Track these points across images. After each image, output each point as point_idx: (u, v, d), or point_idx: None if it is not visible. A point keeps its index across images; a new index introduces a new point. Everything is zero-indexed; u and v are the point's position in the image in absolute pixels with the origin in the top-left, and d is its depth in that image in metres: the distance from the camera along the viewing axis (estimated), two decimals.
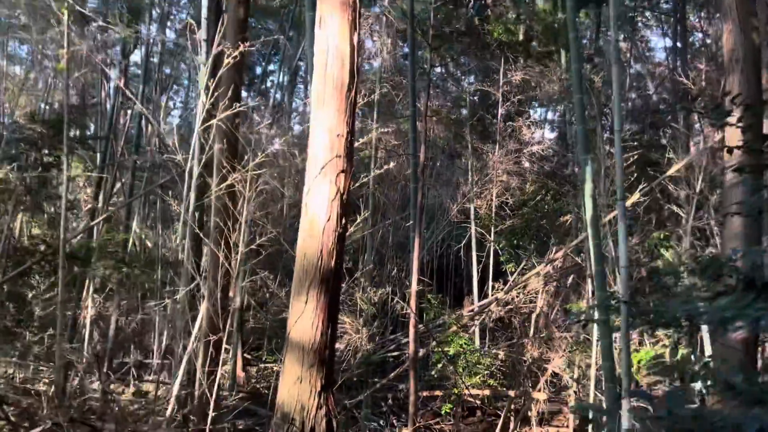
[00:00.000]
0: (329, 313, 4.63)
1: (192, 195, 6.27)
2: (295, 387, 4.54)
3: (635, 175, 8.80)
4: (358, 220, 5.85)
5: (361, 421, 10.64)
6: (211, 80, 5.88)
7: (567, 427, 12.35)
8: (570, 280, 12.41)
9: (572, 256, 9.92)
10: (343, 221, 4.69)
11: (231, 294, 10.85)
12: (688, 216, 8.20)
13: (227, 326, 7.13)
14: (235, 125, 6.56)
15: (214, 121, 5.79)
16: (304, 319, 4.59)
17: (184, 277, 8.00)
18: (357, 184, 7.03)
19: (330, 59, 4.63)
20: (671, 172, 7.80)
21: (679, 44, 15.80)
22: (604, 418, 9.34)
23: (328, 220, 4.65)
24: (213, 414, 5.67)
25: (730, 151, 4.85)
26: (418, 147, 9.01)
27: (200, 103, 5.88)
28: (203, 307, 6.95)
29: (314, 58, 4.75)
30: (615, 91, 5.69)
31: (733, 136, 7.31)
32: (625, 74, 15.08)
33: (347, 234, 6.36)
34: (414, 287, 8.79)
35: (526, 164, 13.45)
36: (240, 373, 14.18)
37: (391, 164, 7.94)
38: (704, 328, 10.17)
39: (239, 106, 6.23)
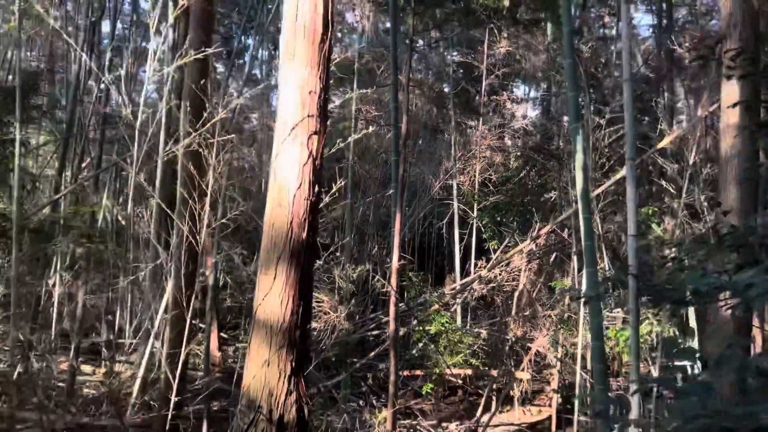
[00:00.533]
0: (300, 290, 4.14)
1: (141, 153, 5.69)
2: (263, 371, 4.06)
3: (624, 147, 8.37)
4: (334, 189, 5.34)
5: (339, 402, 10.24)
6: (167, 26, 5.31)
7: (549, 406, 12.08)
8: (553, 257, 12.06)
9: (558, 233, 9.52)
10: (316, 189, 4.19)
11: (205, 271, 10.33)
12: (679, 191, 7.82)
13: (195, 305, 6.62)
14: (201, 87, 5.98)
15: (167, 70, 5.22)
16: (272, 296, 4.10)
17: (152, 252, 7.46)
18: (332, 151, 6.49)
19: (301, 5, 4.08)
20: (664, 143, 7.40)
21: (664, 21, 15.39)
22: (590, 400, 9.03)
23: (299, 187, 4.13)
24: (175, 399, 5.17)
25: (736, 105, 4.38)
26: (399, 118, 8.49)
27: (150, 50, 5.29)
28: (169, 285, 6.43)
29: (284, 5, 4.20)
30: (625, 65, 5.24)
31: (730, 99, 6.92)
32: (611, 50, 14.64)
33: (322, 205, 5.85)
34: (395, 264, 8.32)
35: (510, 141, 12.99)
36: (216, 353, 13.69)
37: (371, 129, 7.40)
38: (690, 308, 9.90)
39: (197, 53, 5.65)
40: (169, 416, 5.16)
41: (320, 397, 10.88)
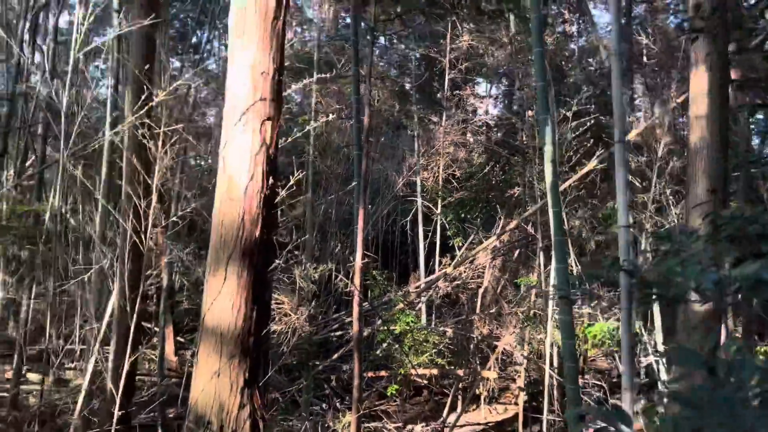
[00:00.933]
0: (254, 293, 3.72)
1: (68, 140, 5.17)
2: (212, 383, 3.62)
3: (591, 141, 8.19)
4: (292, 182, 4.92)
5: (301, 406, 9.80)
6: None
7: (515, 404, 11.87)
8: (518, 253, 11.85)
9: (524, 228, 9.27)
10: (271, 181, 3.77)
11: (160, 273, 9.76)
12: (647, 184, 7.64)
13: (144, 308, 6.11)
14: (145, 72, 5.48)
15: (104, 39, 4.72)
16: (221, 300, 3.67)
17: (96, 253, 6.91)
18: (289, 140, 6.08)
19: None
20: (633, 135, 7.20)
21: (623, 18, 15.37)
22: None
23: (251, 179, 3.71)
24: (119, 412, 4.68)
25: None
26: (361, 110, 8.11)
27: (76, 18, 4.77)
28: (115, 288, 5.90)
29: None
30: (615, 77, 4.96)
31: (699, 87, 6.75)
32: (573, 48, 14.55)
33: (281, 201, 5.43)
34: (358, 262, 7.93)
35: (473, 135, 12.74)
36: (172, 358, 13.08)
37: (331, 116, 6.98)
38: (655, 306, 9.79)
39: (134, 23, 5.14)
40: (113, 430, 4.66)
41: (282, 402, 10.44)
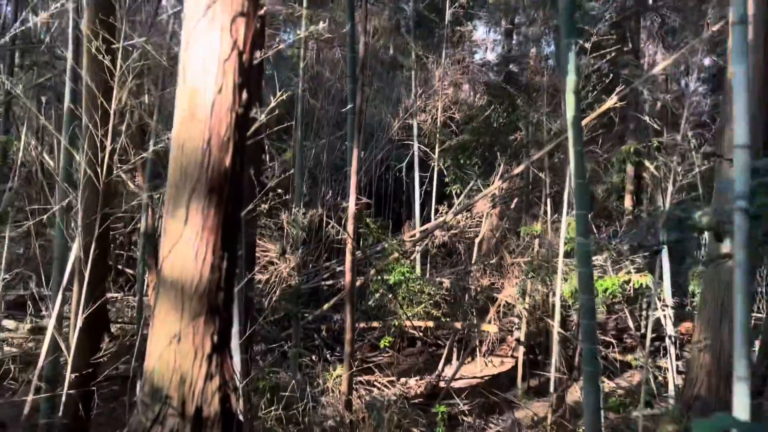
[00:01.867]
0: (224, 238, 2.92)
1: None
2: (171, 350, 2.86)
3: (610, 77, 7.31)
4: (273, 103, 4.04)
5: (290, 359, 9.15)
6: None
7: (512, 356, 11.32)
8: (519, 201, 11.08)
9: (527, 174, 8.46)
10: (244, 96, 2.91)
11: (138, 215, 8.94)
12: (664, 127, 6.82)
13: (115, 255, 5.30)
14: None
15: None
16: (182, 247, 2.87)
17: (59, 192, 6.05)
18: (269, 55, 5.19)
19: None
20: (657, 70, 6.33)
21: None
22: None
23: (219, 92, 2.85)
24: (73, 376, 3.93)
25: None
26: (356, 39, 7.15)
27: None
28: (78, 233, 5.06)
29: None
30: None
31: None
32: None
33: (253, 122, 4.56)
34: (352, 207, 7.13)
35: (473, 75, 11.76)
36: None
37: (322, 24, 6.04)
38: (665, 255, 9.08)
39: None
40: (64, 394, 3.93)
41: (270, 355, 9.82)
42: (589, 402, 5.49)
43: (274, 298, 7.38)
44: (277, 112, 4.24)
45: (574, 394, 9.69)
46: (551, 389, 7.92)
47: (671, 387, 9.16)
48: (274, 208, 7.30)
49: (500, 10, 12.75)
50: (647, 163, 7.14)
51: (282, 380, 9.32)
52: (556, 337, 7.53)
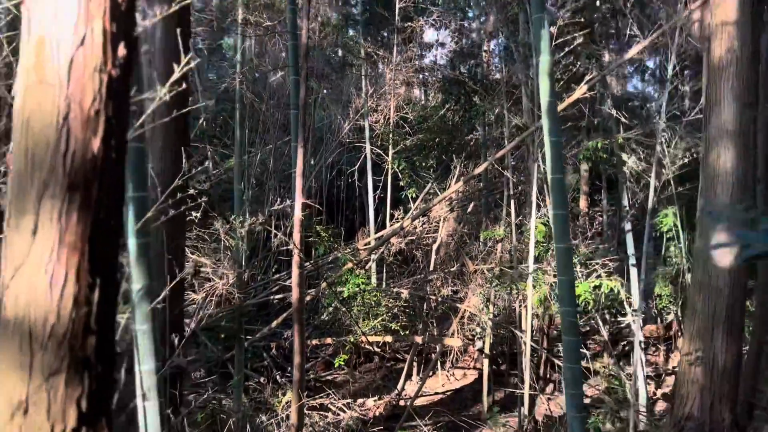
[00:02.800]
0: (95, 257, 1.97)
1: None
2: (15, 425, 1.89)
3: (577, 64, 6.65)
4: (178, 72, 3.09)
5: (234, 383, 8.11)
6: None
7: (475, 368, 10.58)
8: (477, 204, 10.35)
9: (487, 175, 7.71)
10: (122, 50, 1.99)
11: None
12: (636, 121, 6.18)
13: None
14: None
15: None
16: (30, 270, 1.91)
17: None
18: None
19: None
20: (638, 48, 5.68)
21: None
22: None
23: (82, 43, 1.92)
24: None
25: None
26: (298, 23, 6.27)
27: None
28: None
29: None
30: None
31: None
32: None
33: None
34: (298, 214, 6.20)
35: (427, 73, 11.02)
36: None
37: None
38: (631, 261, 8.50)
39: None
40: None
41: (211, 383, 8.76)
42: (574, 428, 4.73)
43: (204, 319, 6.37)
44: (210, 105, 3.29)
45: (541, 406, 9.01)
46: (521, 406, 7.16)
47: (642, 395, 8.58)
48: (209, 216, 6.31)
49: (452, 4, 12.06)
50: (625, 157, 6.52)
51: (226, 408, 8.30)
52: (528, 352, 6.77)
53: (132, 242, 3.35)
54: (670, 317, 8.47)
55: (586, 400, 8.89)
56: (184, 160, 4.53)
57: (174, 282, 3.86)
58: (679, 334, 9.66)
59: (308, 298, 8.57)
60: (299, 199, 6.28)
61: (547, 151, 4.64)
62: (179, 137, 5.50)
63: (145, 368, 3.42)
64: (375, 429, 7.97)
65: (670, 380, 9.59)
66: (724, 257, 5.11)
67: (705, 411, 4.89)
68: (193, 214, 6.25)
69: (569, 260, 4.64)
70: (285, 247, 8.10)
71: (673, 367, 9.79)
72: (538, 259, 6.93)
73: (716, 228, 5.18)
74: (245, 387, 9.01)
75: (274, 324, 9.17)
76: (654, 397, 9.20)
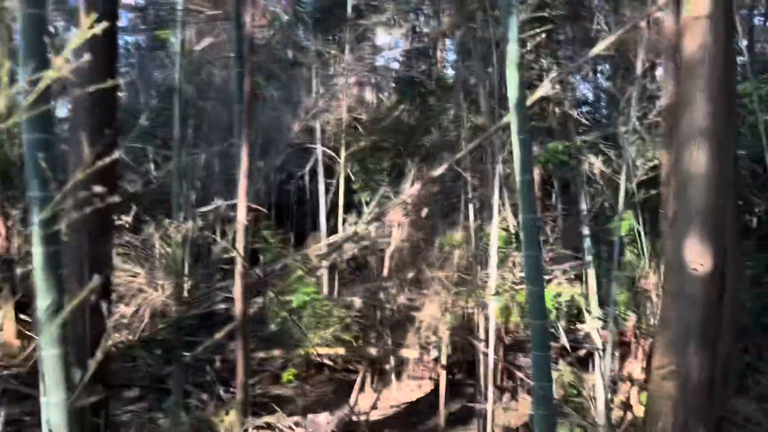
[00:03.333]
0: None
1: None
2: None
3: (543, 58, 6.30)
4: (73, 44, 2.52)
5: (172, 405, 7.40)
6: None
7: (431, 378, 10.13)
8: (433, 209, 9.94)
9: (452, 175, 7.31)
10: None
11: None
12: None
13: None
14: None
15: None
16: None
17: None
18: None
19: None
20: (601, 47, 5.34)
21: None
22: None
23: None
24: None
25: None
26: (242, 9, 5.70)
27: None
28: None
29: None
30: None
31: None
32: None
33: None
34: (242, 218, 5.63)
35: (381, 73, 10.57)
36: (13, 342, 10.17)
37: None
38: (589, 263, 8.25)
39: None
40: None
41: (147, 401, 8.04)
42: None
43: (138, 334, 5.70)
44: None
45: (500, 417, 8.63)
46: (480, 418, 6.75)
47: (600, 403, 8.32)
48: (141, 221, 5.64)
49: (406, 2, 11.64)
50: (592, 159, 6.21)
51: (163, 430, 7.60)
52: (491, 363, 6.36)
53: (38, 251, 2.71)
54: (630, 324, 8.24)
55: None
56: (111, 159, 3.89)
57: (85, 294, 3.23)
58: (634, 340, 9.49)
59: (254, 309, 7.95)
60: (243, 202, 5.70)
61: (515, 149, 4.23)
62: (102, 128, 4.81)
63: (53, 401, 2.79)
64: None
65: (624, 387, 9.39)
66: (700, 265, 4.78)
67: (678, 428, 4.56)
68: (123, 218, 5.59)
69: (540, 269, 4.23)
70: (229, 255, 7.46)
71: (628, 374, 9.61)
72: (498, 266, 6.54)
73: (690, 234, 4.89)
74: (186, 405, 8.30)
75: (217, 336, 8.48)
76: (612, 405, 8.95)
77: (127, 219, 5.27)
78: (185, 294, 7.30)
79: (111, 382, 4.54)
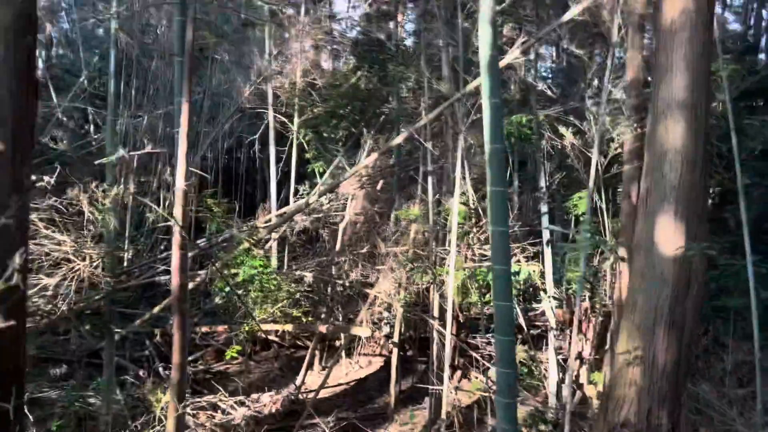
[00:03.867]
0: None
1: None
2: None
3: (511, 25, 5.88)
4: None
5: (103, 383, 6.79)
6: None
7: (381, 354, 9.80)
8: (380, 184, 9.50)
9: (415, 144, 6.86)
10: None
11: None
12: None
13: None
14: None
15: None
16: None
17: None
18: None
19: None
20: (573, 13, 4.94)
21: None
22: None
23: None
24: None
25: None
26: None
27: None
28: None
29: None
30: None
31: None
32: None
33: None
34: (180, 184, 5.03)
35: (338, 35, 9.96)
36: None
37: None
38: (545, 240, 8.01)
39: None
40: None
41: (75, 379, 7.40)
42: None
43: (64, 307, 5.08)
44: None
45: (451, 396, 8.39)
46: (432, 397, 6.45)
47: (552, 381, 8.19)
48: (66, 183, 4.99)
49: None
50: (563, 131, 5.86)
51: (95, 408, 7.00)
52: (448, 342, 6.03)
53: None
54: (585, 304, 8.07)
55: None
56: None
57: None
58: (584, 319, 9.39)
59: (197, 281, 7.38)
60: (182, 165, 5.10)
61: (485, 114, 3.81)
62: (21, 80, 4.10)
63: None
64: (270, 428, 6.99)
65: (574, 366, 9.29)
66: (670, 245, 4.49)
67: (642, 416, 4.33)
68: (46, 179, 4.93)
69: (507, 246, 3.87)
70: (165, 224, 6.85)
71: (578, 353, 9.51)
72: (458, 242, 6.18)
73: (663, 212, 4.60)
74: (122, 382, 7.70)
75: (156, 309, 7.87)
76: (562, 384, 8.83)
77: (48, 180, 4.61)
78: (120, 264, 6.67)
79: (22, 359, 3.95)
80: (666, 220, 4.31)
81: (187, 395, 7.27)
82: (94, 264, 5.36)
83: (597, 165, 4.75)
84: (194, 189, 6.62)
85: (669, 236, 4.30)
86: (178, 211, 5.04)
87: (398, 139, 6.07)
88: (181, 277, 5.04)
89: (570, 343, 10.40)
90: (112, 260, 6.24)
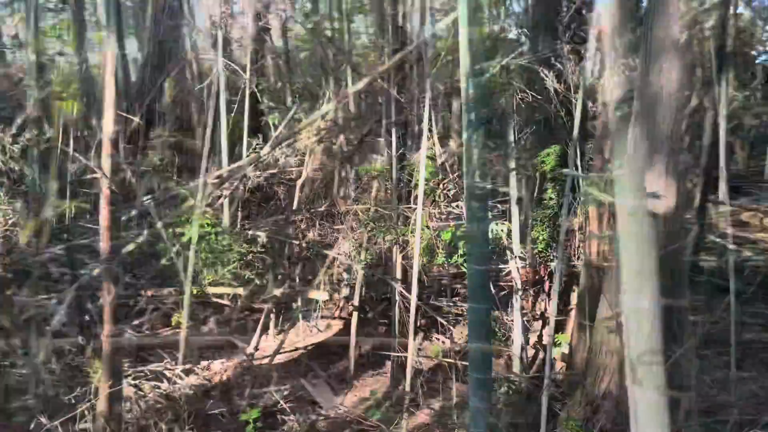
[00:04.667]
0: None
1: None
2: None
3: None
4: None
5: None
6: None
7: (340, 317, 9.35)
8: (341, 139, 8.87)
9: (379, 91, 6.25)
10: None
11: None
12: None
13: None
14: None
15: None
16: None
17: None
18: None
19: None
20: None
21: None
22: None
23: None
24: None
25: None
26: None
27: None
28: None
29: None
30: None
31: None
32: None
33: None
34: (108, 129, 4.34)
35: None
36: None
37: None
38: (513, 200, 7.60)
39: None
40: None
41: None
42: (476, 420, 3.59)
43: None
44: None
45: (410, 358, 8.03)
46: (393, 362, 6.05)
47: (517, 343, 7.90)
48: None
49: None
50: (544, 75, 5.33)
51: (23, 379, 6.34)
52: (413, 307, 5.58)
53: None
54: (553, 264, 7.75)
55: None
56: None
57: None
58: (546, 278, 9.13)
59: (140, 240, 6.70)
60: (111, 108, 4.40)
61: (462, 43, 3.23)
62: None
63: None
64: (219, 398, 6.49)
65: (537, 325, 9.05)
66: (661, 202, 4.06)
67: (624, 389, 3.97)
68: None
69: (485, 204, 3.37)
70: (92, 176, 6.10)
71: (542, 313, 9.26)
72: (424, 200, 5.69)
73: (655, 165, 4.17)
74: (59, 349, 7.05)
75: (95, 272, 7.18)
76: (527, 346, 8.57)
77: None
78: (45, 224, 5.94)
79: None
80: (658, 174, 3.88)
81: (127, 365, 6.68)
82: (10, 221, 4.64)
83: (583, 109, 4.27)
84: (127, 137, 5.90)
85: (660, 192, 3.88)
86: (105, 161, 4.37)
87: (359, 85, 5.47)
88: (109, 237, 4.40)
89: (533, 303, 10.17)
90: (38, 216, 5.52)
